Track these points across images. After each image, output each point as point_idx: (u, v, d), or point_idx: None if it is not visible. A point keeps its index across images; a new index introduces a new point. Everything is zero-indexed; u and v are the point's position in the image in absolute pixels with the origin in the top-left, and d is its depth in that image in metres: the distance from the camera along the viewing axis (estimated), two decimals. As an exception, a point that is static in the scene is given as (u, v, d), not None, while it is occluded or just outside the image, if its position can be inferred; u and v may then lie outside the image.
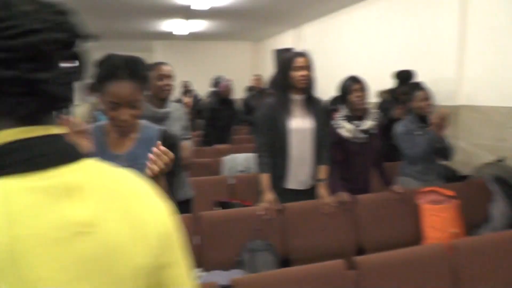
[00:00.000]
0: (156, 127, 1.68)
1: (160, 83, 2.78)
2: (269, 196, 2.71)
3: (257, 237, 2.55)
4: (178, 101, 5.26)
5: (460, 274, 2.20)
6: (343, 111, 3.12)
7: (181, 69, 8.54)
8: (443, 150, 3.35)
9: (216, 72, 6.76)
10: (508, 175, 3.61)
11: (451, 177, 3.91)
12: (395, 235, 3.00)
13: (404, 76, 4.57)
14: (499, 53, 4.04)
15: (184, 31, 9.44)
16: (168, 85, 2.82)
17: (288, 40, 9.35)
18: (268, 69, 9.50)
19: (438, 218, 3.05)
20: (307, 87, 2.76)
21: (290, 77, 2.72)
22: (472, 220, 3.38)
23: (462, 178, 3.91)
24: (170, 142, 1.55)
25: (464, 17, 4.41)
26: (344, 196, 2.94)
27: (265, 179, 2.76)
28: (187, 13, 7.42)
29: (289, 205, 2.80)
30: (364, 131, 3.05)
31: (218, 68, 9.74)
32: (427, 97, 3.36)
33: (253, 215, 2.67)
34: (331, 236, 2.84)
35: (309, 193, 2.90)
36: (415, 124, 3.37)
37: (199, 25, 8.93)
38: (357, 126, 3.04)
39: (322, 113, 2.88)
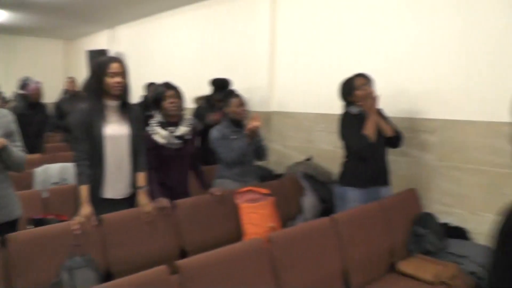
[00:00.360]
0: None
1: None
2: (85, 209, 2.54)
3: (76, 253, 2.36)
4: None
5: (277, 264, 2.34)
6: (157, 117, 3.10)
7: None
8: (259, 152, 3.58)
9: (24, 73, 6.09)
10: (315, 172, 4.04)
11: (267, 176, 4.22)
12: (216, 236, 3.07)
13: (219, 84, 4.73)
14: (304, 66, 4.50)
15: (-17, 22, 8.31)
16: None
17: (102, 40, 8.96)
18: (82, 70, 8.95)
19: (256, 215, 3.22)
20: (122, 94, 2.69)
21: (104, 83, 2.62)
22: (288, 213, 3.70)
23: (277, 176, 4.24)
24: None
25: (273, 30, 4.78)
26: (164, 202, 2.89)
27: (83, 190, 2.59)
28: (-15, 0, 6.54)
29: (108, 216, 2.64)
30: (179, 137, 3.07)
31: (26, 67, 8.87)
32: (241, 103, 3.54)
33: (70, 230, 2.46)
34: (154, 243, 2.78)
35: (128, 202, 2.81)
36: (230, 129, 3.51)
37: (1, 16, 7.93)
38: (172, 132, 3.05)
39: (137, 119, 2.83)
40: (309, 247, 2.53)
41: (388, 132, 3.17)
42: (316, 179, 4.01)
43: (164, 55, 6.83)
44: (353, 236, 2.78)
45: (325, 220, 2.77)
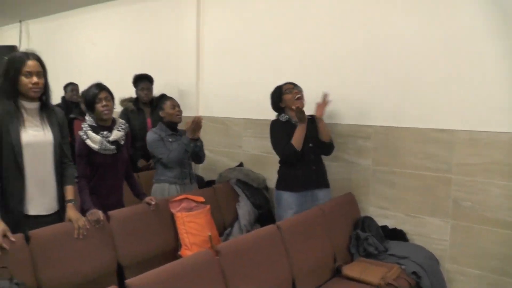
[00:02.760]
0: None
1: None
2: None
3: (1, 277, 2.07)
4: None
5: (228, 275, 2.27)
6: (89, 121, 2.86)
7: None
8: (198, 154, 3.52)
9: None
10: (247, 178, 4.01)
11: (199, 183, 4.09)
12: (154, 247, 2.94)
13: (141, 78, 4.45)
14: (232, 71, 4.45)
15: None
16: None
17: (12, 35, 8.08)
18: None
19: (193, 224, 3.13)
20: (40, 95, 2.41)
21: (20, 83, 2.32)
22: (223, 221, 3.65)
23: (210, 183, 4.13)
24: None
25: (200, 33, 4.68)
26: (97, 214, 2.64)
27: None
28: None
29: (35, 232, 2.34)
30: (113, 142, 2.86)
31: None
32: (174, 105, 3.48)
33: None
34: (89, 259, 2.53)
35: (56, 217, 2.52)
36: (166, 132, 3.44)
37: None
38: (106, 137, 2.83)
39: (61, 123, 2.56)
40: (257, 256, 2.49)
41: (324, 137, 3.31)
42: (249, 185, 3.98)
43: (79, 54, 6.34)
44: (298, 243, 2.78)
45: (270, 228, 2.75)
